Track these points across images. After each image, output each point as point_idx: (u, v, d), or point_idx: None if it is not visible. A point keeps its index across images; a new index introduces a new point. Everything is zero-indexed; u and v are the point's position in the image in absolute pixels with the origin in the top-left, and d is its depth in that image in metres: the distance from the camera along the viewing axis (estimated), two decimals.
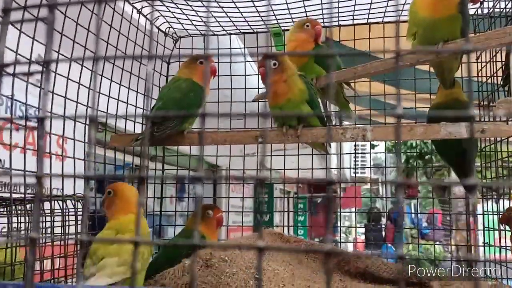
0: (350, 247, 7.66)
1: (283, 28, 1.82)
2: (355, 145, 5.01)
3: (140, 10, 1.70)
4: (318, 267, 1.66)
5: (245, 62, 1.90)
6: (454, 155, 1.62)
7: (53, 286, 1.22)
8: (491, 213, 1.79)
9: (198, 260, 1.38)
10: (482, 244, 1.87)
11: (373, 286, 1.53)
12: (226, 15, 1.71)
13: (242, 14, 1.70)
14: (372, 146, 7.60)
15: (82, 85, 1.45)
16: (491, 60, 1.66)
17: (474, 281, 1.34)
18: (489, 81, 1.66)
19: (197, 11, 1.72)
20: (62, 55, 1.32)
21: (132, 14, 1.67)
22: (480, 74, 1.76)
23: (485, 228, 1.80)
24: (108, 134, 1.69)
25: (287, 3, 1.66)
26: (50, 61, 0.47)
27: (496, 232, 1.77)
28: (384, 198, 4.06)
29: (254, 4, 1.61)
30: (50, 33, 0.47)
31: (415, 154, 5.49)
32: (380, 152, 7.58)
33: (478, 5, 1.62)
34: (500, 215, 1.70)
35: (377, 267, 1.59)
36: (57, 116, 1.37)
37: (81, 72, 1.44)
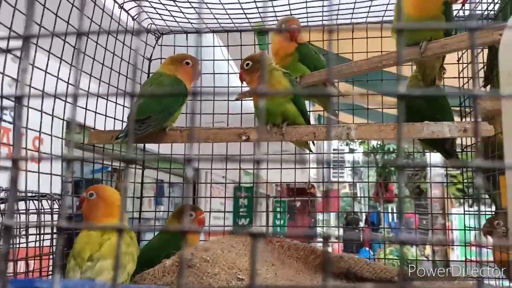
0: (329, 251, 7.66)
1: (267, 26, 1.81)
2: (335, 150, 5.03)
3: (121, 5, 1.66)
4: (301, 268, 1.65)
5: (228, 60, 1.88)
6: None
7: (26, 280, 1.16)
8: (474, 213, 1.80)
9: (179, 261, 1.34)
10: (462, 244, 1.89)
11: (354, 285, 1.53)
12: (210, 12, 1.69)
13: (226, 11, 1.67)
14: (351, 151, 7.65)
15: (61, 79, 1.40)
16: (472, 61, 1.68)
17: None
18: (470, 81, 1.68)
19: (180, 7, 1.69)
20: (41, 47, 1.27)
21: (113, 9, 1.62)
22: (461, 75, 1.78)
23: (466, 228, 1.82)
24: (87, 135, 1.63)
25: (271, 1, 1.65)
26: (30, 36, 0.44)
27: (472, 234, 1.79)
28: (362, 202, 4.09)
29: (239, 1, 1.59)
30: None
31: (392, 158, 5.56)
32: (359, 152, 7.64)
33: (460, 6, 1.64)
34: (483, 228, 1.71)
35: (360, 267, 1.59)
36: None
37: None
